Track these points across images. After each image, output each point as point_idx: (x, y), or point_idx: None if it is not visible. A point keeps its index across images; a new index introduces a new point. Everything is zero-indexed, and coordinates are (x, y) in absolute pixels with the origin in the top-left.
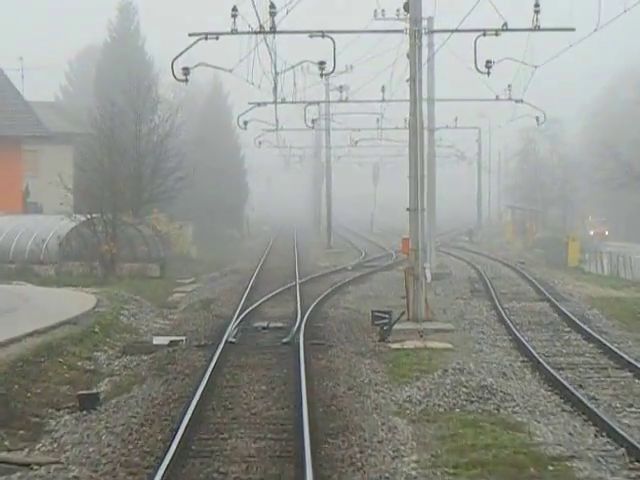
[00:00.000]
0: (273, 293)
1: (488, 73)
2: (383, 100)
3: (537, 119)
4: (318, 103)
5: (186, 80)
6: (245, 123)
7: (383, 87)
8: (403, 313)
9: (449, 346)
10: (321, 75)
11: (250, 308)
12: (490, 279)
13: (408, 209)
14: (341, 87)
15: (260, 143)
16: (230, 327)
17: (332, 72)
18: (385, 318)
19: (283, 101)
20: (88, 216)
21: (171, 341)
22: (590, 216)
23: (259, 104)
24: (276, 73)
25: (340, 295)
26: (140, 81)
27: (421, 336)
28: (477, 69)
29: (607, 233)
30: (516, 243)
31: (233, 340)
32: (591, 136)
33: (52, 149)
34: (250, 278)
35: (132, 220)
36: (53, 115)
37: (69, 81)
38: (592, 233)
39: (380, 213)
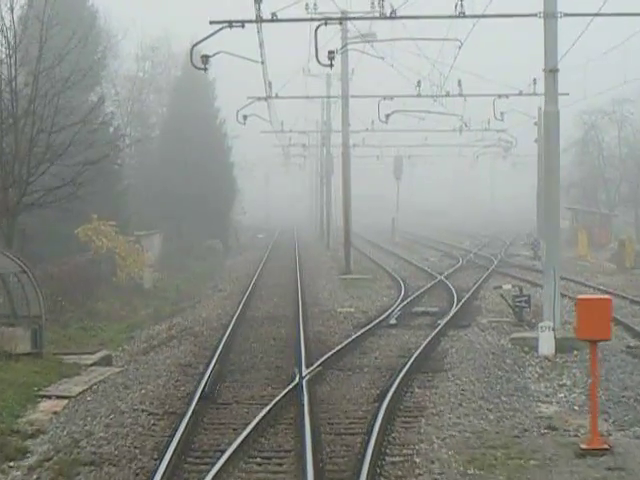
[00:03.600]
0: (249, 428)
1: None
2: (461, 14)
3: None
4: (340, 20)
5: None
6: (206, 59)
7: None
8: None
9: None
10: None
11: None
12: None
13: None
14: None
15: (245, 118)
16: None
17: None
18: None
19: (274, 18)
20: None
21: None
22: None
23: (230, 24)
24: None
25: (404, 431)
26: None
27: None
28: None
29: None
30: (592, 258)
31: None
32: None
33: None
34: (212, 356)
35: None
36: None
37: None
38: None
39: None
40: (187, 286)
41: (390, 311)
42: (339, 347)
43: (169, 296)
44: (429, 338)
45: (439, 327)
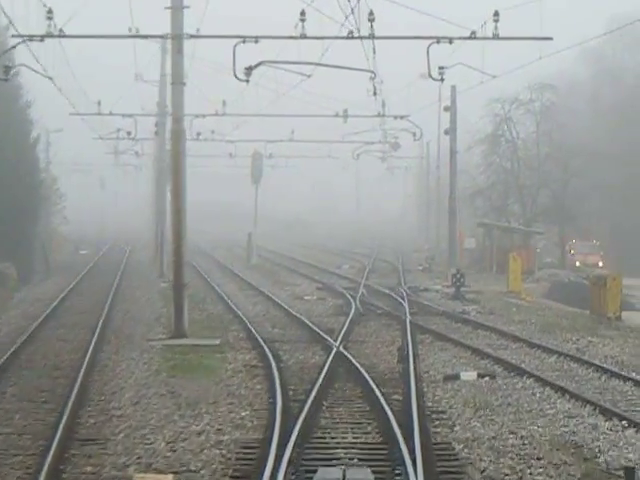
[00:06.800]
0: None
1: None
2: None
3: None
4: None
5: None
6: None
7: None
8: None
9: None
10: None
11: None
12: None
13: None
14: None
15: (9, 70)
16: None
17: None
18: None
19: None
20: None
21: None
22: (575, 239)
23: None
24: None
25: None
26: None
27: None
28: None
29: (602, 264)
30: (527, 294)
31: None
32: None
33: None
34: None
35: None
36: None
37: None
38: (578, 264)
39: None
40: None
41: None
42: None
43: None
44: None
45: None
